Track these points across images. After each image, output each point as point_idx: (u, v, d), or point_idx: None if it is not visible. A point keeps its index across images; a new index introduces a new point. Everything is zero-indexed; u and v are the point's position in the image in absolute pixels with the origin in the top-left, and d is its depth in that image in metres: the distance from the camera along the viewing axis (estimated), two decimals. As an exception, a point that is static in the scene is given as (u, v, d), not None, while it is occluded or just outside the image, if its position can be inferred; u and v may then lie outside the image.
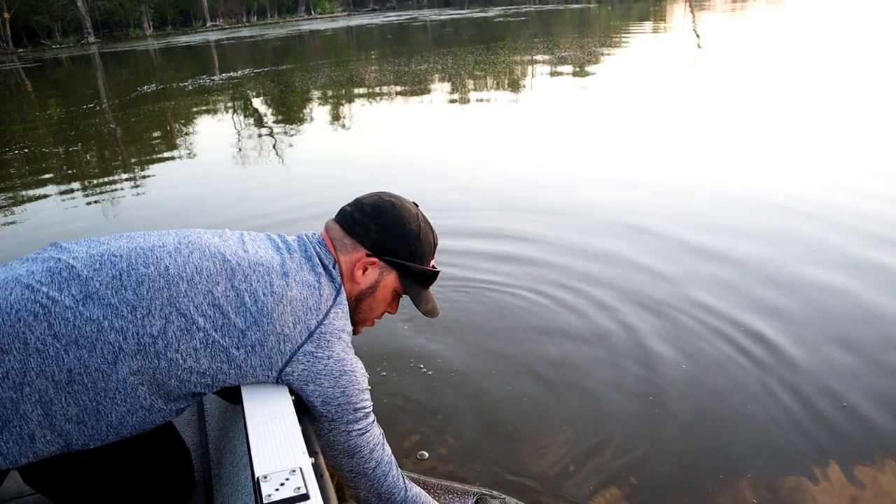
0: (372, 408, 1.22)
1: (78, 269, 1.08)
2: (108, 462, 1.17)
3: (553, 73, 10.88)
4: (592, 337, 2.60)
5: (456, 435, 2.03)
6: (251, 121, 8.63)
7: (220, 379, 1.11)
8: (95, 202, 5.08)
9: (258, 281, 1.12)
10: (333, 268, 1.21)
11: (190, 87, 12.75)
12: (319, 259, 1.20)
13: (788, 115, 6.53)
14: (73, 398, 1.04)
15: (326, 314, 1.15)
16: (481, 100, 9.08)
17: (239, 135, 7.63)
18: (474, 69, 11.95)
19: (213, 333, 1.07)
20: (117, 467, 1.19)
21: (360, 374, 1.19)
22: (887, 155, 4.91)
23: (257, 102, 10.49)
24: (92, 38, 41.45)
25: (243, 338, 1.09)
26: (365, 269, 1.24)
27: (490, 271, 3.18)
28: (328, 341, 1.14)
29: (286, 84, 12.11)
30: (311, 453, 1.00)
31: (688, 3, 31.12)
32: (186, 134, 8.09)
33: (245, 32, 37.27)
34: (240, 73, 14.86)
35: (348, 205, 1.29)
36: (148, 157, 6.79)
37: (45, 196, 5.34)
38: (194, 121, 9.04)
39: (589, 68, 11.08)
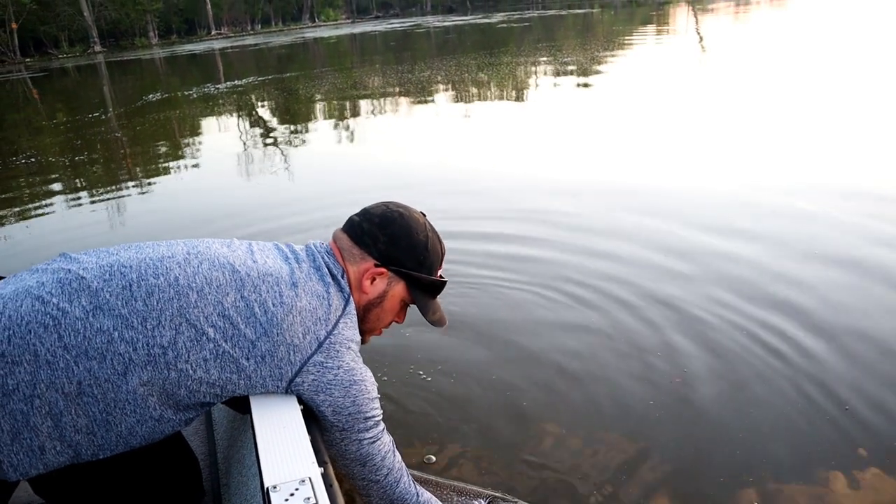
0: (381, 416, 1.22)
1: (88, 280, 1.08)
2: (117, 472, 1.17)
3: (557, 79, 10.88)
4: (604, 334, 2.62)
5: (464, 437, 2.02)
6: (256, 128, 8.67)
7: (230, 389, 1.11)
8: (102, 210, 5.10)
9: (268, 291, 1.12)
10: (342, 277, 1.21)
11: (195, 96, 12.82)
12: (328, 269, 1.20)
13: (792, 116, 6.54)
14: (83, 409, 1.05)
15: (336, 324, 1.15)
16: (485, 106, 9.09)
17: (244, 142, 7.66)
18: (478, 75, 11.98)
19: (224, 344, 1.07)
20: (127, 477, 1.20)
21: (369, 384, 1.19)
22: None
23: (262, 110, 10.54)
24: (98, 48, 41.79)
25: (253, 348, 1.09)
26: (373, 280, 1.24)
27: (501, 269, 3.23)
28: (338, 351, 1.14)
29: (290, 91, 12.16)
30: (321, 463, 1.00)
31: (691, 7, 31.14)
32: (191, 142, 8.13)
33: (249, 41, 37.46)
34: (244, 81, 14.93)
35: (356, 214, 1.29)
36: (153, 166, 6.83)
37: (52, 204, 5.38)
38: (199, 129, 9.09)
39: (592, 73, 11.08)
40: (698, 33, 17.94)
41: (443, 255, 1.32)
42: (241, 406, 1.21)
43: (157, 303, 1.06)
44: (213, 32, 49.74)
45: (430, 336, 2.59)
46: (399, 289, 1.27)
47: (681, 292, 2.90)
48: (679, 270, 3.13)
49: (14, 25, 37.41)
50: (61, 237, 4.36)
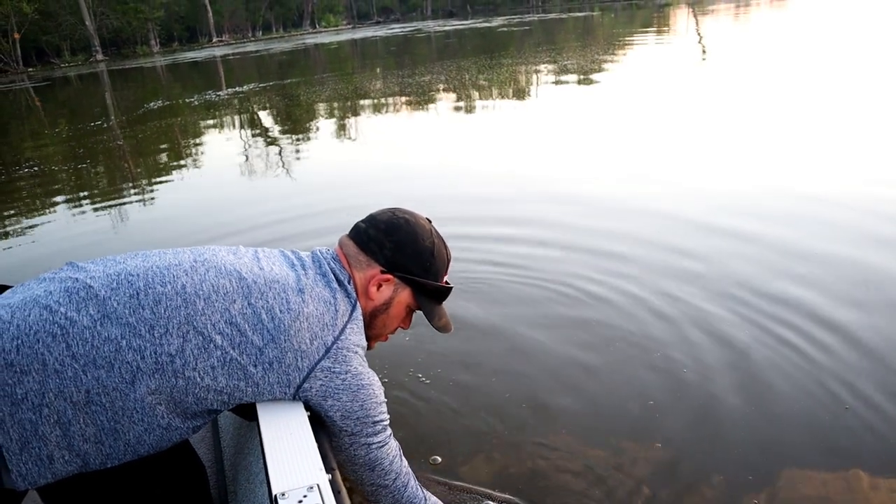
0: (389, 421, 1.22)
1: (95, 289, 1.08)
2: (125, 480, 1.17)
3: (558, 81, 10.90)
4: (614, 330, 2.66)
5: (468, 439, 2.03)
6: (258, 135, 8.69)
7: (238, 396, 1.12)
8: (106, 218, 5.13)
9: (274, 298, 1.12)
10: (349, 283, 1.21)
11: (196, 103, 12.87)
12: (334, 275, 1.21)
13: (792, 113, 6.58)
14: (91, 418, 1.05)
15: (343, 330, 1.15)
16: (487, 108, 9.13)
17: (246, 149, 7.68)
18: (478, 79, 12.00)
19: (231, 351, 1.08)
20: (134, 485, 1.20)
21: (377, 388, 1.19)
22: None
23: (264, 116, 10.57)
24: (100, 56, 41.93)
25: (261, 355, 1.09)
26: (379, 286, 1.24)
27: (504, 265, 3.32)
28: (345, 356, 1.14)
29: (291, 97, 12.20)
30: (329, 469, 1.00)
31: (691, 9, 31.16)
32: (194, 149, 8.15)
33: (251, 47, 37.59)
34: (246, 87, 14.97)
35: (362, 221, 1.29)
36: (156, 173, 6.85)
37: (55, 212, 5.40)
38: (201, 136, 9.12)
39: (593, 75, 11.09)
40: (699, 34, 17.96)
41: (449, 261, 1.32)
42: (247, 413, 1.21)
43: (165, 311, 1.07)
44: (215, 40, 49.90)
45: (431, 337, 2.59)
46: (405, 295, 1.27)
47: (692, 286, 2.97)
48: (689, 266, 3.20)
49: (16, 35, 37.56)
50: (67, 245, 4.37)
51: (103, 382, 1.04)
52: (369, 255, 1.24)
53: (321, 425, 1.15)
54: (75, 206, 5.59)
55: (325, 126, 8.94)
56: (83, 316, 1.05)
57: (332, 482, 0.98)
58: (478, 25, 35.66)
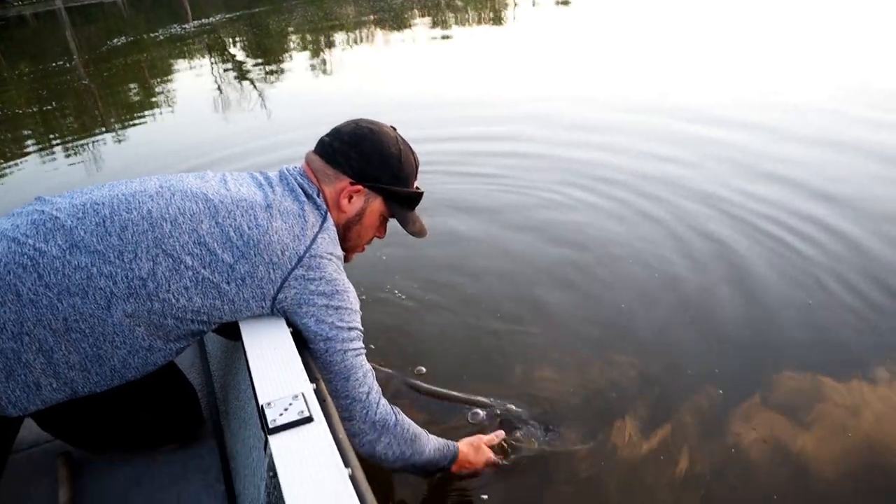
0: (363, 336, 1.24)
1: (62, 220, 1.08)
2: (116, 405, 1.20)
3: (534, 2, 10.53)
4: (596, 233, 2.77)
5: (453, 345, 2.09)
6: (229, 67, 8.39)
7: (216, 315, 1.13)
8: (78, 160, 4.99)
9: (242, 216, 1.12)
10: (318, 196, 1.21)
11: (161, 38, 12.30)
12: (302, 189, 1.20)
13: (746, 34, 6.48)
14: (73, 346, 1.06)
15: (314, 239, 1.15)
16: (463, 31, 8.84)
17: (217, 82, 7.43)
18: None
19: (203, 271, 1.08)
20: (126, 409, 1.23)
21: (352, 295, 1.21)
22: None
23: (233, 48, 10.16)
24: (55, -8, 39.58)
25: (232, 272, 1.10)
26: (350, 198, 1.24)
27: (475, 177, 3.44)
28: (319, 264, 1.15)
29: (261, 27, 11.70)
30: (312, 379, 1.03)
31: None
32: (164, 86, 7.87)
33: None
34: (213, 19, 14.30)
35: (326, 135, 1.27)
36: (126, 110, 6.63)
37: (25, 157, 5.25)
38: (171, 72, 8.77)
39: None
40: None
41: (417, 166, 1.31)
42: (233, 334, 1.23)
43: (132, 236, 1.06)
44: (175, -32, 47.09)
45: (407, 252, 2.64)
46: (377, 204, 1.27)
47: (676, 188, 3.12)
48: (672, 169, 3.35)
49: (-38, -27, 35.23)
50: (41, 189, 4.28)
51: (79, 309, 1.04)
52: (336, 168, 1.23)
53: (303, 340, 1.17)
54: (45, 150, 5.42)
55: (298, 56, 8.65)
56: (52, 246, 1.05)
57: (317, 391, 1.01)
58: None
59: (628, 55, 6.17)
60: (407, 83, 6.28)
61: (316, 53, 8.65)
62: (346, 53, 8.33)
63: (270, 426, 0.90)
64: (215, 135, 5.27)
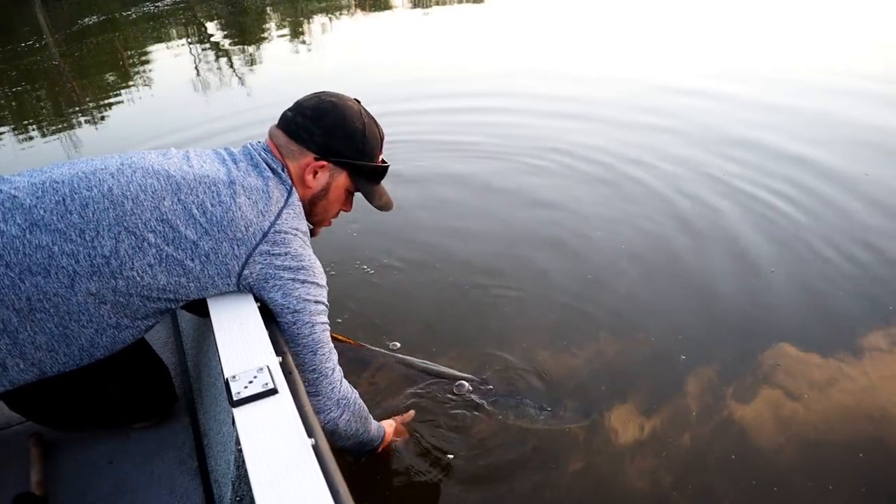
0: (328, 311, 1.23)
1: (20, 199, 1.06)
2: (89, 383, 1.20)
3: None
4: (571, 201, 2.83)
5: (425, 318, 2.10)
6: (206, 46, 8.23)
7: (182, 293, 1.12)
8: (55, 142, 4.90)
9: (205, 193, 1.11)
10: (282, 171, 1.20)
11: (134, 16, 12.01)
12: (267, 164, 1.19)
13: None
14: (39, 326, 1.06)
15: (279, 215, 1.15)
16: (442, 11, 8.79)
17: (195, 61, 7.30)
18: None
19: (166, 248, 1.08)
20: (99, 388, 1.23)
21: (318, 270, 1.20)
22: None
23: (210, 26, 9.95)
24: (23, -30, 38.33)
25: (196, 249, 1.09)
26: (315, 174, 1.23)
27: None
28: (284, 239, 1.14)
29: (237, 4, 11.45)
30: (279, 353, 1.04)
31: None
32: (140, 65, 7.71)
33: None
34: (187, -6, 13.95)
35: (289, 109, 1.26)
36: (101, 91, 6.49)
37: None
38: (146, 51, 8.59)
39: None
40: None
41: (382, 139, 1.30)
42: (204, 310, 1.23)
43: (93, 214, 1.05)
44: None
45: (379, 227, 2.65)
46: (342, 179, 1.26)
47: (660, 152, 3.25)
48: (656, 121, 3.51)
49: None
50: (16, 169, 4.20)
51: (42, 289, 1.03)
52: (300, 144, 1.22)
53: (271, 315, 1.17)
54: (20, 133, 5.31)
55: (276, 34, 8.50)
56: (10, 226, 1.04)
57: (283, 364, 1.01)
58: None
59: (608, 30, 6.17)
60: (386, 58, 6.25)
61: (295, 31, 8.51)
62: (326, 30, 8.21)
63: (235, 399, 0.91)
64: (194, 113, 5.18)
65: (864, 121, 3.45)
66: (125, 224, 1.06)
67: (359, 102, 1.28)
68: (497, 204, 2.83)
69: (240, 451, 0.87)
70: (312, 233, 1.30)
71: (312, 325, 1.16)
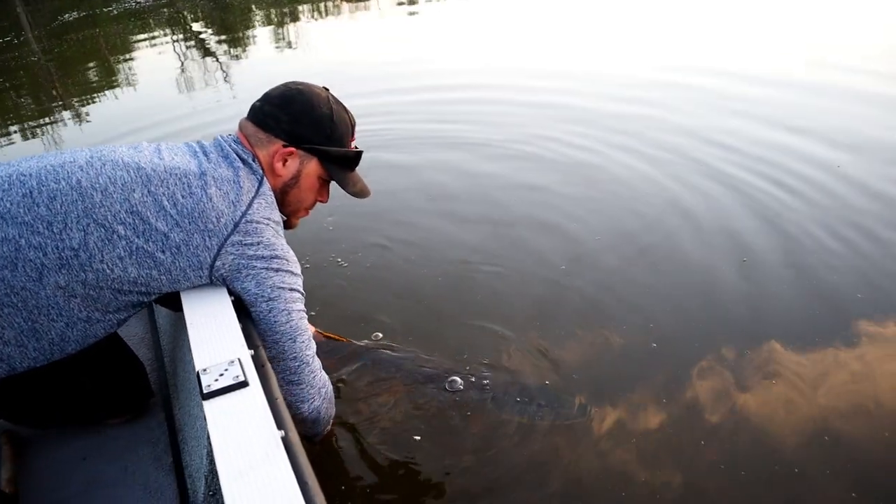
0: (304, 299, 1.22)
1: None
2: (60, 379, 1.19)
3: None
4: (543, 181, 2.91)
5: (405, 309, 2.09)
6: (190, 42, 8.15)
7: (154, 286, 1.11)
8: (36, 142, 4.83)
9: (175, 185, 1.10)
10: (253, 161, 1.19)
11: (116, 12, 11.86)
12: (237, 155, 1.18)
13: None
14: (7, 321, 1.04)
15: (250, 204, 1.14)
16: (428, 7, 8.76)
17: (180, 58, 7.22)
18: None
19: (136, 240, 1.06)
20: (71, 383, 1.22)
21: (292, 258, 1.19)
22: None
23: (194, 23, 9.86)
24: (3, -35, 37.72)
25: (167, 241, 1.08)
26: (285, 161, 1.22)
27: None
28: (255, 229, 1.13)
29: (220, 0, 11.36)
30: (251, 346, 1.03)
31: None
32: (123, 62, 7.61)
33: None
34: (170, -10, 13.80)
35: (257, 100, 1.26)
36: (84, 87, 6.41)
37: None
38: (128, 47, 8.49)
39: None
40: None
41: (353, 125, 1.30)
42: (178, 305, 1.22)
43: (61, 206, 1.04)
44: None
45: (355, 221, 2.65)
46: (313, 166, 1.25)
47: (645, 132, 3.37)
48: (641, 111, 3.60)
49: None
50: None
51: (9, 282, 1.02)
52: (268, 132, 1.21)
53: (245, 309, 1.16)
54: (-1, 129, 5.23)
55: (261, 30, 8.44)
56: None
57: (255, 357, 1.00)
58: None
59: (594, 24, 6.22)
60: (373, 52, 6.25)
61: (280, 26, 8.45)
62: (311, 25, 8.17)
63: (205, 392, 0.90)
64: (176, 109, 5.12)
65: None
66: (94, 216, 1.05)
67: (327, 90, 1.28)
68: (481, 189, 2.88)
69: (210, 444, 0.87)
70: (289, 224, 1.29)
71: (289, 313, 1.15)
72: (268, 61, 6.54)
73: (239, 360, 0.97)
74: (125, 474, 1.21)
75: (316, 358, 1.22)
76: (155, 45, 8.41)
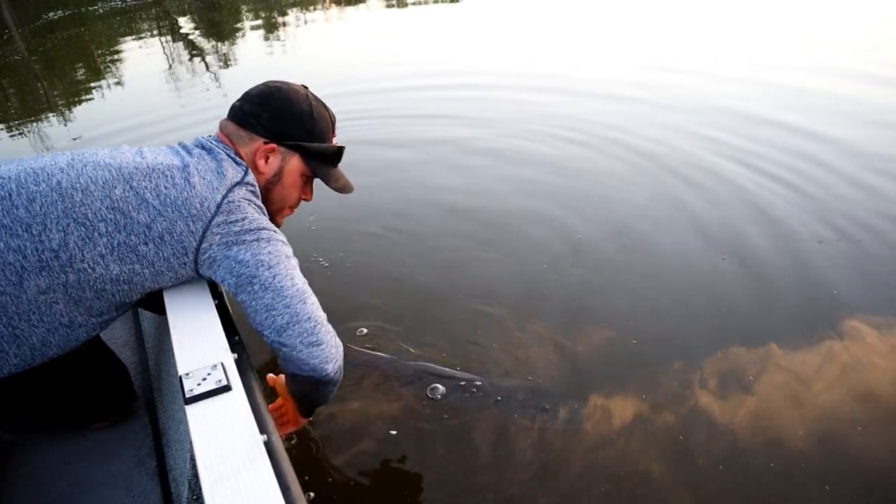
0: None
1: None
2: (41, 384, 1.18)
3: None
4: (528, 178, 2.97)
5: (388, 305, 2.10)
6: (178, 42, 8.09)
7: (137, 282, 1.10)
8: (23, 141, 4.78)
9: (158, 178, 1.09)
10: (235, 156, 1.19)
11: (101, 11, 11.76)
12: (221, 150, 1.18)
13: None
14: (-13, 326, 1.03)
15: (232, 188, 1.13)
16: (416, 8, 8.77)
17: (168, 59, 7.17)
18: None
19: (117, 235, 1.05)
20: (52, 388, 1.20)
21: (281, 236, 1.16)
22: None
23: (181, 22, 9.78)
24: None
25: (149, 231, 1.07)
26: (267, 158, 1.22)
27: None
28: (239, 206, 1.11)
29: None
30: (235, 350, 1.02)
31: None
32: (110, 62, 7.55)
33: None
34: (157, -11, 13.69)
35: (237, 100, 1.25)
36: (71, 87, 6.35)
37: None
38: (115, 47, 8.42)
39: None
40: None
41: (333, 122, 1.29)
42: (163, 309, 1.21)
43: (41, 208, 1.03)
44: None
45: (336, 225, 2.66)
46: (295, 162, 1.25)
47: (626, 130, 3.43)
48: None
49: None
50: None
51: (-11, 287, 1.01)
52: (249, 130, 1.21)
53: (236, 291, 1.12)
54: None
55: (250, 30, 8.39)
56: None
57: (239, 361, 1.00)
58: None
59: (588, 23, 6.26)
60: (361, 52, 6.25)
61: (269, 25, 8.41)
62: (300, 25, 8.14)
63: (187, 396, 0.90)
64: (165, 109, 5.09)
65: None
66: (74, 215, 1.04)
67: (306, 88, 1.28)
68: (466, 178, 2.95)
69: (193, 448, 0.86)
70: (273, 223, 1.28)
71: (293, 278, 1.11)
72: (256, 60, 6.51)
73: (222, 364, 0.96)
74: (108, 478, 1.20)
75: (320, 311, 1.14)
76: (142, 45, 8.34)
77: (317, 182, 1.32)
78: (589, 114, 3.72)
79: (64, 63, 7.70)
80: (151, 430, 1.31)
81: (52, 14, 12.11)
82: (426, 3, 9.26)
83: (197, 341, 1.03)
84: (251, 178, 1.18)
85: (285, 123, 1.21)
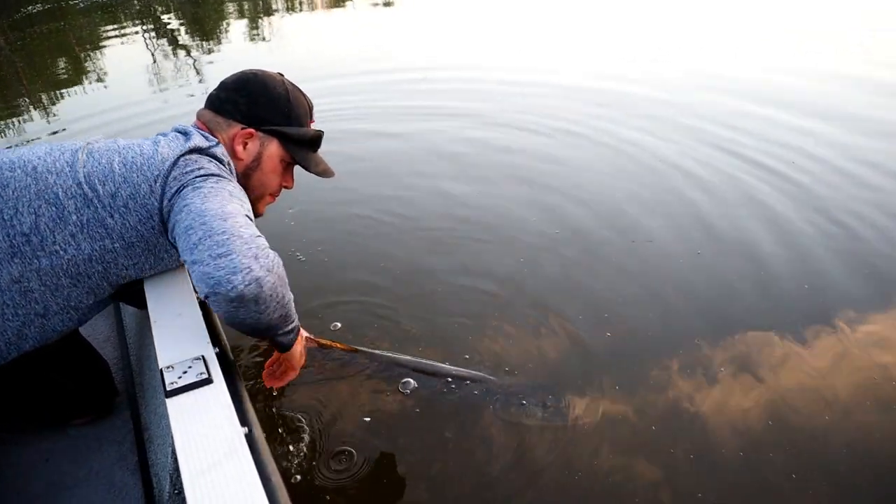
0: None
1: None
2: (19, 379, 1.16)
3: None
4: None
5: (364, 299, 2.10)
6: (162, 37, 7.99)
7: (109, 259, 1.09)
8: (1, 135, 4.70)
9: (127, 151, 1.10)
10: (212, 139, 1.18)
11: (82, 5, 11.58)
12: (195, 131, 1.18)
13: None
14: (-38, 320, 1.02)
15: (194, 150, 1.11)
16: (403, 3, 8.76)
17: (153, 56, 7.08)
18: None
19: (86, 211, 1.04)
20: (30, 383, 1.19)
21: (235, 184, 1.12)
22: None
23: (165, 16, 9.67)
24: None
25: (115, 201, 1.05)
26: (245, 144, 1.22)
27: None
28: (195, 159, 1.10)
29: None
30: (216, 343, 1.02)
31: None
32: (93, 57, 7.44)
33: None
34: (140, -17, 13.51)
35: (214, 89, 1.25)
36: (52, 82, 6.24)
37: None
38: (98, 41, 8.30)
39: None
40: None
41: (311, 107, 1.29)
42: (143, 302, 1.20)
43: (13, 192, 1.03)
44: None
45: (311, 220, 2.65)
46: (273, 147, 1.24)
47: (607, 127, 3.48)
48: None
49: None
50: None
51: (-38, 279, 0.99)
52: (227, 116, 1.21)
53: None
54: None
55: (234, 24, 8.32)
56: None
57: (220, 354, 1.00)
58: None
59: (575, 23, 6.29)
60: (346, 48, 6.22)
61: (253, 19, 8.35)
62: (285, 20, 8.08)
63: (168, 389, 0.89)
64: (148, 103, 5.03)
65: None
66: (46, 196, 1.03)
67: (282, 75, 1.28)
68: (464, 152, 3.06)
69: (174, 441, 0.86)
70: (255, 211, 1.27)
71: (224, 204, 1.01)
72: (240, 53, 6.47)
73: (203, 357, 0.96)
74: (89, 474, 1.19)
75: (259, 237, 0.99)
76: (125, 40, 8.23)
77: (299, 171, 1.31)
78: (578, 105, 3.81)
79: (45, 57, 7.58)
80: (133, 425, 1.30)
81: (31, 7, 11.91)
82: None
83: (178, 335, 1.02)
84: (221, 150, 1.16)
85: (262, 108, 1.21)
